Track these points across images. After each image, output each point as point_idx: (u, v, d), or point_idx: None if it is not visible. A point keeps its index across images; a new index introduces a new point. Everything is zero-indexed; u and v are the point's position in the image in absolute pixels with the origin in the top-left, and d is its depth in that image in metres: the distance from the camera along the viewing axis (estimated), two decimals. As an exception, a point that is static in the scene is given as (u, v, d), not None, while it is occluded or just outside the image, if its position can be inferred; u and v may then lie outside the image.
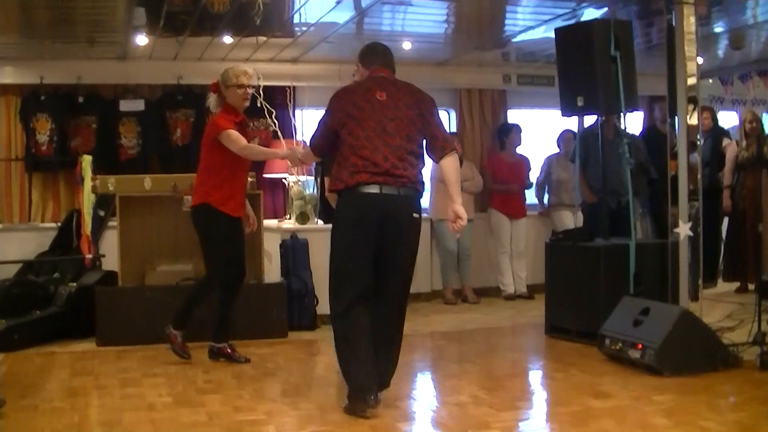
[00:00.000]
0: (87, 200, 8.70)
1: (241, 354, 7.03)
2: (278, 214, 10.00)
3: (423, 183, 5.70)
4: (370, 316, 5.44)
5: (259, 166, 9.64)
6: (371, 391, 5.28)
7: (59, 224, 9.38)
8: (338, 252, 5.56)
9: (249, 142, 9.94)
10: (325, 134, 5.69)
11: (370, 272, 5.49)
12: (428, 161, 5.78)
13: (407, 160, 5.53)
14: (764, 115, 10.61)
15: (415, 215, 5.60)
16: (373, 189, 5.42)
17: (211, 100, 7.08)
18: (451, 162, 5.67)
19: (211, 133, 6.82)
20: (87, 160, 8.80)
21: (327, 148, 5.75)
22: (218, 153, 6.78)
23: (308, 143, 5.97)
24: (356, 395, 5.30)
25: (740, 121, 10.21)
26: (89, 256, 8.73)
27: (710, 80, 11.73)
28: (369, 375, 5.33)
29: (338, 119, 5.59)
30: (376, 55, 5.90)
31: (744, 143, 9.87)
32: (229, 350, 7.02)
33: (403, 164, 5.50)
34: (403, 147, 5.52)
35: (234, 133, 6.70)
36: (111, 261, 8.50)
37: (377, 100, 5.58)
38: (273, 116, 9.50)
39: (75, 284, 8.19)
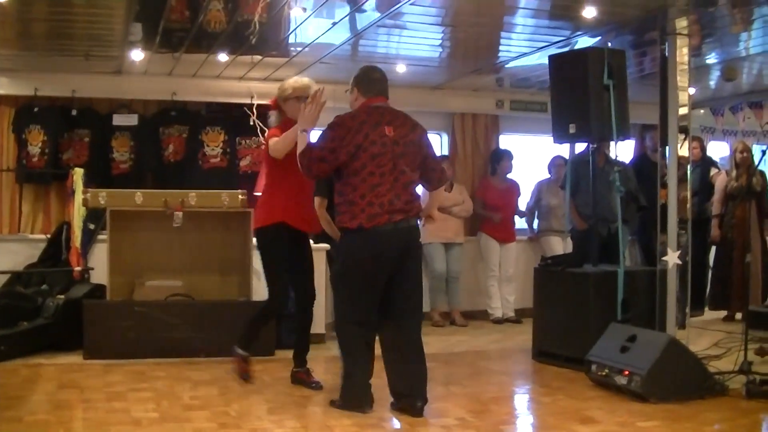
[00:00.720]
0: (77, 213, 8.70)
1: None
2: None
3: None
4: (394, 333, 5.96)
5: (251, 184, 9.66)
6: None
7: (49, 236, 9.36)
8: (353, 285, 5.88)
9: (240, 160, 10.06)
10: (331, 161, 5.77)
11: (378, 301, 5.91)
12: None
13: (414, 193, 5.96)
14: (755, 146, 10.66)
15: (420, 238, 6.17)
16: (390, 228, 5.76)
17: (272, 118, 6.89)
18: (439, 192, 6.39)
19: (265, 150, 6.64)
20: (79, 173, 8.80)
21: (326, 173, 5.89)
22: (278, 168, 6.57)
23: (299, 160, 5.89)
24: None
25: (731, 151, 10.27)
26: (78, 268, 8.71)
27: (702, 110, 11.80)
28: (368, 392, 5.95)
29: (348, 151, 5.73)
30: (375, 82, 6.02)
31: (734, 173, 9.94)
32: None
33: (412, 197, 5.91)
34: (411, 182, 5.91)
35: (272, 138, 6.51)
36: (100, 274, 8.49)
37: (387, 137, 5.78)
38: (265, 135, 9.54)
39: (63, 297, 8.18)
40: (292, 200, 6.59)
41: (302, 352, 6.93)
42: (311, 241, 7.06)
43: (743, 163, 9.88)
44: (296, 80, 6.74)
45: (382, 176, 5.73)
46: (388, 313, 5.91)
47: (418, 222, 6.08)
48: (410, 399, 5.84)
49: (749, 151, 9.96)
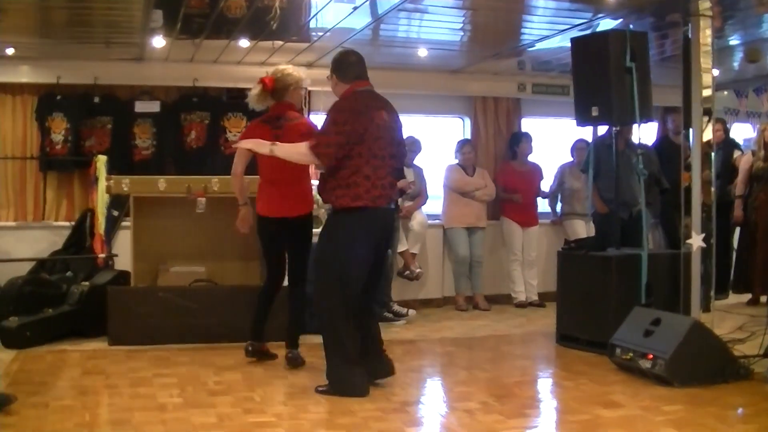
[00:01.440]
0: (101, 200, 8.74)
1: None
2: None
3: None
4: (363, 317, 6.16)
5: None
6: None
7: (73, 223, 9.41)
8: (350, 262, 5.95)
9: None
10: (343, 146, 5.88)
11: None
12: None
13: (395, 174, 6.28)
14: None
15: None
16: (388, 209, 6.11)
17: (255, 96, 7.05)
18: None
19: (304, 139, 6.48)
20: (101, 161, 8.83)
21: (336, 158, 5.93)
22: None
23: (315, 151, 5.93)
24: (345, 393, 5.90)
25: (757, 132, 10.18)
26: (102, 255, 8.75)
27: (725, 92, 11.73)
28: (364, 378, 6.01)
29: (358, 133, 5.86)
30: (353, 66, 6.17)
31: (762, 153, 9.83)
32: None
33: (394, 181, 6.22)
34: (396, 167, 6.28)
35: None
36: (124, 261, 8.54)
37: (384, 121, 6.00)
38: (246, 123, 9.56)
39: (87, 283, 8.21)
40: (264, 192, 6.97)
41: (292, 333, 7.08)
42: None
43: None
44: (300, 73, 7.01)
45: (383, 159, 5.98)
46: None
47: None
48: None
49: None
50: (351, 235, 5.96)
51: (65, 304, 8.06)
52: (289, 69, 6.98)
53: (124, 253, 8.60)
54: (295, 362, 6.87)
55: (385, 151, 5.99)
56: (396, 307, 9.21)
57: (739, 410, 5.68)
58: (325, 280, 6.05)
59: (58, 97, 9.51)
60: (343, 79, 6.15)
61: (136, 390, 6.08)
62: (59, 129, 9.47)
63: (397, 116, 6.25)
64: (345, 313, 5.97)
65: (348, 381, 5.92)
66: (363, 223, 5.95)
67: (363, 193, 5.88)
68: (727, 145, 10.68)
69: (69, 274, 8.77)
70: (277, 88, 6.90)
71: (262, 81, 6.94)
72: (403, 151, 6.41)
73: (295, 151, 6.11)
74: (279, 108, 6.94)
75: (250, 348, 7.04)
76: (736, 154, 10.63)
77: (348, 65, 6.17)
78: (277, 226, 6.90)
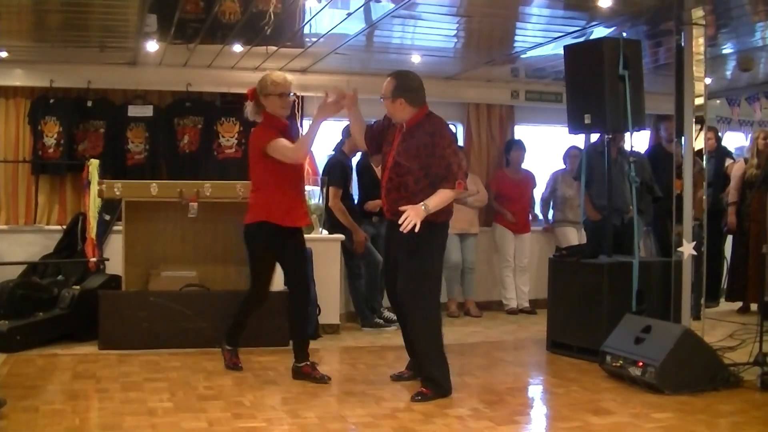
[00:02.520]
0: (93, 204, 8.72)
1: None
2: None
3: None
4: None
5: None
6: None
7: (65, 227, 9.40)
8: (440, 272, 6.49)
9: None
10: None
11: None
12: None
13: None
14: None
15: None
16: None
17: (249, 108, 6.78)
18: None
19: (257, 148, 6.59)
20: (94, 165, 8.82)
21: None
22: (270, 166, 6.54)
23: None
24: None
25: (751, 139, 10.21)
26: (94, 259, 8.74)
27: (718, 101, 11.76)
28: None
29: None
30: (422, 90, 6.36)
31: (755, 161, 9.86)
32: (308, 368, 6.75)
33: None
34: None
35: (280, 141, 6.49)
36: (115, 265, 8.53)
37: None
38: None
39: (79, 287, 8.21)
40: (279, 199, 6.65)
41: (299, 346, 6.80)
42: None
43: (765, 150, 9.80)
44: (278, 75, 6.74)
45: None
46: None
47: None
48: None
49: None
50: (443, 246, 6.41)
51: (56, 307, 8.05)
52: (264, 76, 6.75)
53: (115, 257, 8.59)
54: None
55: None
56: (387, 314, 9.20)
57: (730, 418, 5.67)
58: (433, 291, 6.36)
59: (52, 101, 9.52)
60: (414, 103, 6.27)
61: (126, 394, 6.07)
62: (52, 133, 9.47)
63: None
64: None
65: (449, 383, 6.27)
66: (445, 235, 6.40)
67: (447, 210, 6.28)
68: (719, 153, 10.73)
69: (60, 277, 8.76)
70: (257, 98, 6.71)
71: (248, 92, 6.82)
72: None
73: (447, 198, 6.19)
74: (267, 120, 6.73)
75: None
76: (728, 162, 10.67)
77: (418, 90, 6.30)
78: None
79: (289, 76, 6.80)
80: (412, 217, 5.85)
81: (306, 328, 6.88)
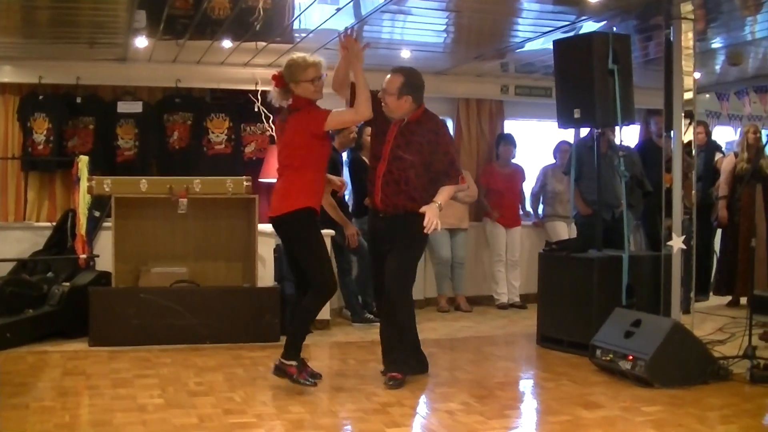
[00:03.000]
0: (83, 201, 8.69)
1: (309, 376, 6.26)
2: (273, 219, 9.99)
3: None
4: None
5: (256, 170, 9.68)
6: None
7: (54, 224, 9.37)
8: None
9: (245, 146, 10.03)
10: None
11: None
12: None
13: None
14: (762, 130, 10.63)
15: None
16: None
17: (274, 94, 6.40)
18: None
19: (310, 130, 6.20)
20: (84, 161, 8.78)
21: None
22: (317, 149, 6.26)
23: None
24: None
25: (741, 133, 10.23)
26: (83, 256, 8.71)
27: (707, 95, 11.77)
28: None
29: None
30: (423, 88, 6.50)
31: (744, 155, 9.87)
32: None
33: None
34: None
35: (335, 111, 6.23)
36: (105, 262, 8.50)
37: None
38: (270, 121, 9.56)
39: (68, 284, 8.18)
40: (318, 186, 6.41)
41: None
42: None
43: (755, 144, 9.82)
44: (308, 60, 6.34)
45: None
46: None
47: None
48: None
49: (760, 133, 9.88)
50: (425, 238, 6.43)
51: (46, 304, 8.03)
52: (293, 58, 6.36)
53: (105, 253, 8.56)
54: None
55: None
56: (376, 309, 9.21)
57: (719, 411, 5.69)
58: (412, 277, 6.60)
59: (41, 97, 9.48)
60: (418, 101, 6.44)
61: (116, 391, 6.07)
62: (41, 129, 9.44)
63: None
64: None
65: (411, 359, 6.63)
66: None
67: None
68: (709, 148, 10.75)
69: (50, 274, 8.73)
70: (285, 83, 6.34)
71: (273, 78, 6.44)
72: None
73: (451, 193, 6.56)
74: (292, 101, 6.42)
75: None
76: (718, 156, 10.69)
77: (422, 88, 6.47)
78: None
79: (318, 58, 6.41)
80: (433, 218, 6.14)
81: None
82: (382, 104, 6.39)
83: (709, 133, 10.90)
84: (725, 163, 10.26)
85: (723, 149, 11.11)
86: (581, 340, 7.20)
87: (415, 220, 6.15)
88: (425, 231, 6.10)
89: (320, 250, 6.29)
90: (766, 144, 9.92)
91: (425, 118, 6.45)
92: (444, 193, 6.34)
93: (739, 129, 12.15)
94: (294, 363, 6.15)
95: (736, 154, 10.19)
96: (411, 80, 6.35)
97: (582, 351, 7.10)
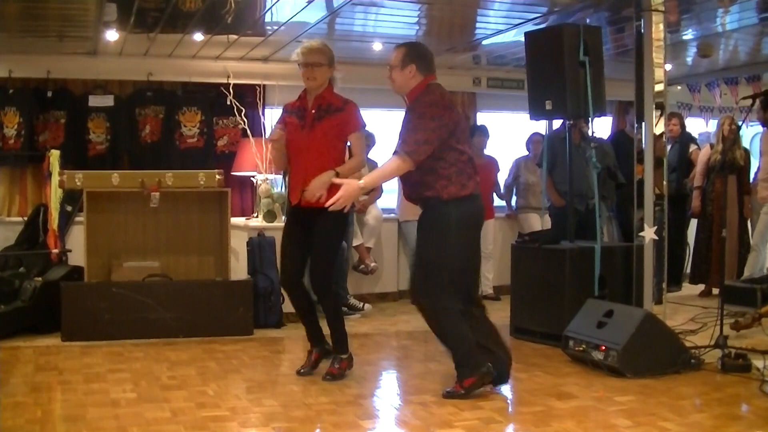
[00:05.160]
0: (54, 195, 8.66)
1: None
2: (246, 212, 9.99)
3: None
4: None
5: (228, 164, 9.68)
6: None
7: (26, 218, 9.32)
8: (461, 253, 5.78)
9: (217, 140, 10.00)
10: (435, 143, 5.65)
11: None
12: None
13: None
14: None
15: None
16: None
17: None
18: None
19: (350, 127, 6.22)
20: (55, 155, 8.74)
21: (429, 150, 5.67)
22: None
23: (405, 153, 5.61)
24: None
25: (717, 125, 10.28)
26: (56, 251, 8.68)
27: (678, 87, 11.84)
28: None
29: (449, 129, 5.71)
30: (433, 58, 5.96)
31: (720, 147, 9.92)
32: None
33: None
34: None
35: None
36: (77, 256, 8.47)
37: (460, 114, 6.03)
38: (242, 114, 9.54)
39: (41, 279, 8.15)
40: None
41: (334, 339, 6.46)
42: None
43: (730, 137, 9.87)
44: (301, 45, 6.29)
45: (465, 152, 5.83)
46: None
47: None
48: None
49: (736, 125, 9.93)
50: (460, 222, 5.78)
51: (18, 300, 7.99)
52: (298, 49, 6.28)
53: (77, 248, 8.53)
54: None
55: (467, 143, 5.97)
56: (352, 301, 9.22)
57: (692, 400, 5.73)
58: (447, 272, 5.80)
59: (11, 91, 9.43)
60: (424, 70, 5.85)
61: (89, 386, 6.04)
62: (12, 123, 9.39)
63: None
64: (457, 310, 5.93)
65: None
66: (470, 208, 5.84)
67: (469, 183, 5.78)
68: (684, 139, 10.81)
69: (22, 269, 8.67)
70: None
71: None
72: None
73: (390, 169, 5.76)
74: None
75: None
76: (693, 148, 10.75)
77: (430, 57, 5.92)
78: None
79: (308, 44, 6.26)
80: (341, 194, 5.56)
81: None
82: (391, 84, 5.99)
83: (683, 125, 10.95)
84: (702, 154, 10.32)
85: (697, 141, 11.16)
86: (554, 331, 7.23)
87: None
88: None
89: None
90: (740, 136, 9.99)
91: (422, 92, 5.83)
92: (372, 174, 5.94)
93: (710, 120, 12.28)
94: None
95: (711, 146, 10.25)
96: (413, 49, 5.95)
97: (555, 342, 7.13)
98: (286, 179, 6.84)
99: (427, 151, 5.62)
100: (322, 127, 6.14)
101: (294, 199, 6.23)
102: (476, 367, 5.72)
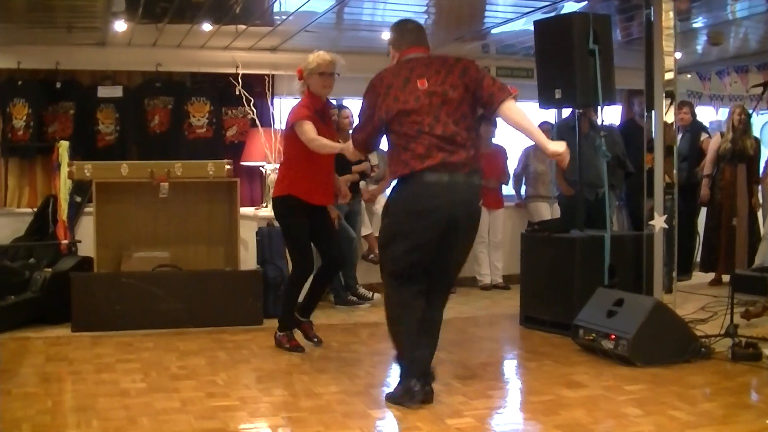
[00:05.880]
0: (63, 186, 8.68)
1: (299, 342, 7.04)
2: (255, 202, 10.00)
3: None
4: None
5: (237, 154, 9.68)
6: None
7: (35, 210, 9.34)
8: (401, 241, 5.31)
9: (226, 130, 10.01)
10: (368, 129, 5.50)
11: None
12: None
13: (465, 145, 5.28)
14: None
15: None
16: (442, 176, 5.21)
17: (297, 86, 6.98)
18: (510, 106, 5.28)
19: (287, 122, 6.77)
20: (64, 146, 8.77)
21: (371, 142, 5.62)
22: (297, 142, 6.62)
23: (360, 139, 5.62)
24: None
25: (729, 113, 10.25)
26: (65, 241, 8.70)
27: (688, 75, 11.80)
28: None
29: (380, 116, 5.35)
30: (406, 33, 5.57)
31: (730, 135, 9.89)
32: (285, 339, 7.04)
33: (465, 149, 5.27)
34: (458, 133, 5.26)
35: (306, 125, 6.51)
36: (87, 247, 8.49)
37: (419, 90, 5.29)
38: (251, 104, 9.54)
39: (50, 270, 8.16)
40: (303, 175, 6.70)
41: (310, 306, 7.16)
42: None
43: (740, 126, 9.83)
44: (321, 55, 6.70)
45: (419, 134, 5.21)
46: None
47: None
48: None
49: (748, 114, 9.90)
50: (397, 207, 5.43)
51: (28, 291, 8.00)
52: (313, 56, 6.73)
53: (87, 239, 8.55)
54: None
55: (423, 123, 5.22)
56: (361, 291, 9.21)
57: (702, 390, 5.72)
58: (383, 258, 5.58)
59: (20, 83, 9.44)
60: (397, 48, 5.55)
61: (99, 376, 6.05)
62: (21, 115, 9.41)
63: (455, 71, 5.33)
64: (397, 303, 5.55)
65: None
66: (412, 191, 5.30)
67: (410, 160, 5.23)
68: (694, 128, 10.78)
69: (32, 260, 8.70)
70: (304, 76, 6.79)
71: (297, 71, 6.86)
72: (483, 89, 5.31)
73: (350, 151, 5.94)
74: (309, 97, 6.81)
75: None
76: (704, 136, 10.72)
77: (403, 33, 5.57)
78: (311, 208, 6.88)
79: (336, 57, 6.72)
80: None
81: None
82: None
83: (694, 114, 10.92)
84: (712, 143, 10.29)
85: (708, 129, 11.13)
86: (564, 320, 7.21)
87: None
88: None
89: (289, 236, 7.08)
90: (751, 125, 9.97)
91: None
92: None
93: (721, 109, 12.24)
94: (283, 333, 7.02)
95: (722, 134, 10.21)
96: (391, 29, 5.72)
97: (564, 331, 7.12)
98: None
99: (361, 137, 5.58)
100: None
101: (325, 201, 6.90)
102: (404, 379, 5.38)
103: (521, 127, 5.32)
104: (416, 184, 5.24)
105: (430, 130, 5.21)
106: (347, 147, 6.03)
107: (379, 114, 5.34)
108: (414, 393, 5.25)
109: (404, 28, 5.62)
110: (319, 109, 6.73)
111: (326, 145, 6.49)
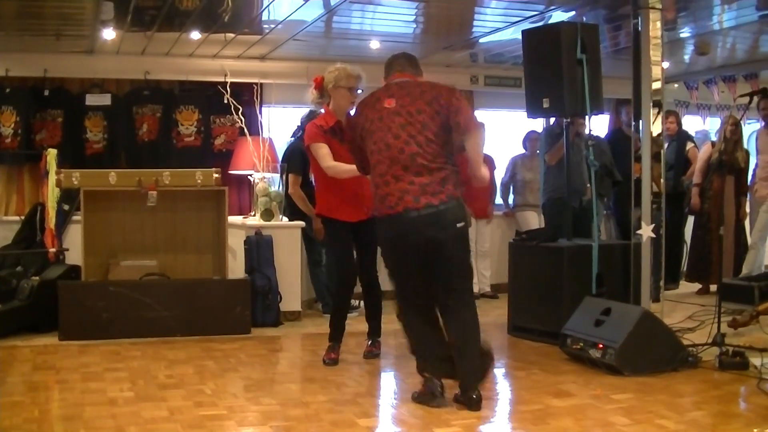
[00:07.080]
0: (51, 194, 8.65)
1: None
2: (243, 211, 9.99)
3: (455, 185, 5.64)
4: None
5: (225, 162, 9.68)
6: None
7: (23, 218, 9.31)
8: (390, 265, 5.86)
9: (215, 138, 10.00)
10: (354, 151, 5.79)
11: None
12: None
13: (429, 167, 5.39)
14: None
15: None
16: (403, 216, 5.38)
17: (311, 96, 6.82)
18: (471, 143, 5.51)
19: (305, 142, 6.72)
20: (52, 154, 8.74)
21: (363, 162, 5.71)
22: (315, 160, 6.62)
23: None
24: None
25: (721, 124, 10.28)
26: (53, 250, 8.67)
27: (675, 85, 11.84)
28: None
29: (353, 137, 5.69)
30: (393, 63, 5.78)
31: (721, 146, 9.91)
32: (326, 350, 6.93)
33: (426, 170, 5.38)
34: (420, 154, 5.34)
35: (321, 149, 6.49)
36: (75, 255, 8.46)
37: (385, 109, 5.42)
38: (240, 113, 9.53)
39: (38, 278, 8.13)
40: (327, 191, 6.74)
41: (370, 326, 7.22)
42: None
43: (732, 137, 9.85)
44: (351, 69, 6.61)
45: (380, 153, 5.39)
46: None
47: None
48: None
49: (738, 126, 9.92)
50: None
51: (15, 299, 7.97)
52: (334, 67, 6.65)
53: (75, 247, 8.52)
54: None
55: (381, 143, 5.40)
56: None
57: (689, 398, 5.73)
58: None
59: (8, 90, 9.42)
60: (385, 78, 5.76)
61: (87, 385, 6.03)
62: (9, 122, 9.39)
63: (428, 95, 5.39)
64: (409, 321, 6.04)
65: None
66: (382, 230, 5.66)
67: (375, 200, 5.59)
68: (681, 137, 10.80)
69: (19, 269, 8.66)
70: (322, 87, 6.68)
71: (315, 80, 6.78)
72: (452, 119, 5.39)
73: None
74: (327, 113, 6.72)
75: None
76: (690, 146, 10.75)
77: (391, 63, 5.78)
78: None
79: (362, 72, 6.66)
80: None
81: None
82: None
83: (680, 123, 10.95)
84: (702, 152, 10.32)
85: (694, 139, 11.17)
86: (552, 329, 7.22)
87: None
88: None
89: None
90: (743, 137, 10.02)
91: None
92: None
93: (708, 118, 12.28)
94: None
95: (713, 143, 10.24)
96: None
97: (552, 340, 7.12)
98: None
99: (356, 160, 5.86)
100: None
101: (358, 216, 6.70)
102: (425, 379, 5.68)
103: (472, 161, 5.66)
104: (383, 222, 5.55)
105: (386, 148, 5.37)
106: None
107: (360, 133, 5.59)
108: (435, 394, 5.55)
109: (392, 58, 5.84)
110: (333, 126, 6.58)
111: (344, 171, 6.40)
